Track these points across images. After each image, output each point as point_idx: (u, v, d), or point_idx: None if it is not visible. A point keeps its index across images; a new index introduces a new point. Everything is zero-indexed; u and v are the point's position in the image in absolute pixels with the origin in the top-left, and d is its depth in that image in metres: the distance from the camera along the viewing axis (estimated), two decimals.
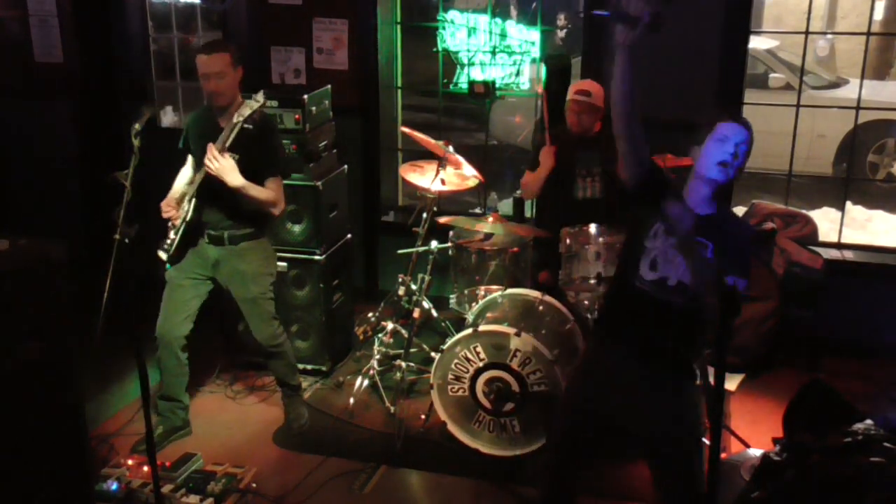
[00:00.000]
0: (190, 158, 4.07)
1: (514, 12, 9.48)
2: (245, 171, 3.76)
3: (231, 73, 3.81)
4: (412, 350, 4.53)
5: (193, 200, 3.86)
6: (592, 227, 4.11)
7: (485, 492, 3.80)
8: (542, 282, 4.50)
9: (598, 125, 4.59)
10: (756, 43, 8.23)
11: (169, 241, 3.94)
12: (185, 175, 4.08)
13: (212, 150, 3.67)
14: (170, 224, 3.97)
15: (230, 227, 3.94)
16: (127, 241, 3.90)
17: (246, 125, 3.73)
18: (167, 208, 3.94)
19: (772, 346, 4.79)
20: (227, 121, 3.80)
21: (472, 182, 4.71)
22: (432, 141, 4.53)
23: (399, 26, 5.65)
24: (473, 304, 4.42)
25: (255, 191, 3.80)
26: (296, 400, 4.32)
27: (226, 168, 3.68)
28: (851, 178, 6.66)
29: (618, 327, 2.95)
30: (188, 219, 3.87)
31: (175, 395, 4.16)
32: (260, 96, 3.71)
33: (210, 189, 3.80)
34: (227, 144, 3.70)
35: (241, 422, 4.37)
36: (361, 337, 4.83)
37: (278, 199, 3.93)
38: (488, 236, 4.43)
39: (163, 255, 3.97)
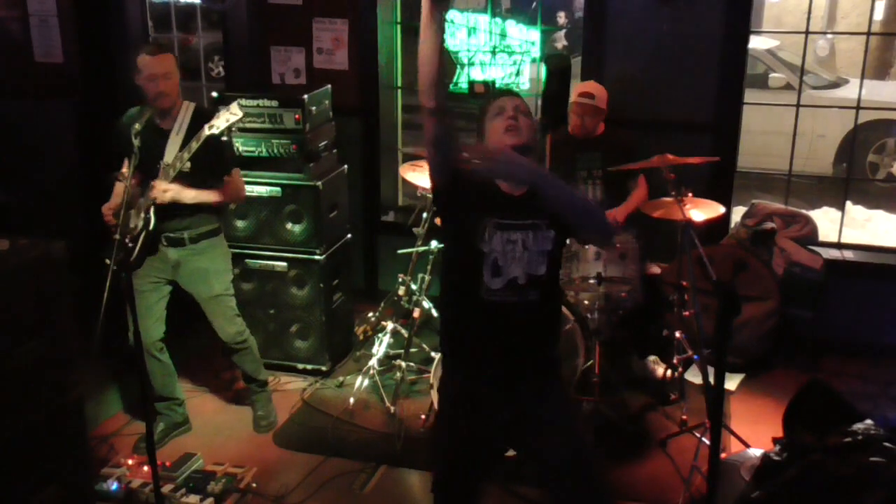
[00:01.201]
0: (126, 161, 3.93)
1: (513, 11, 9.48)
2: (199, 172, 3.81)
3: (176, 74, 3.80)
4: (412, 350, 4.53)
5: (152, 209, 3.81)
6: None
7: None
8: None
9: (601, 127, 4.60)
10: (756, 43, 8.22)
11: (124, 251, 3.86)
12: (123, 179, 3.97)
13: (156, 187, 3.70)
14: (113, 229, 3.85)
15: (189, 228, 3.94)
16: (127, 241, 3.91)
17: (222, 137, 3.76)
18: (108, 214, 3.86)
19: (772, 346, 4.79)
20: (171, 123, 3.82)
21: None
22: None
23: (399, 26, 5.65)
24: None
25: (209, 195, 3.86)
26: (264, 397, 4.33)
27: (176, 192, 3.73)
28: (851, 178, 6.66)
29: (471, 350, 2.70)
30: (151, 228, 3.83)
31: (168, 394, 4.17)
32: (236, 109, 3.69)
33: None
34: (191, 154, 3.72)
35: (241, 422, 4.36)
36: (361, 337, 4.83)
37: (235, 190, 3.97)
38: None
39: (108, 261, 3.91)
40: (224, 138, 3.82)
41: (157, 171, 3.80)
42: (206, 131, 3.67)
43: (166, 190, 3.72)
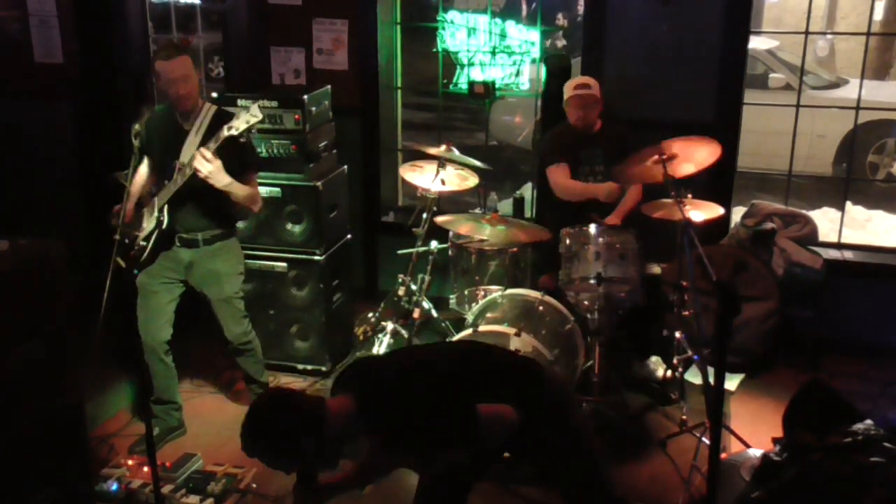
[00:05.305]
0: (147, 161, 4.00)
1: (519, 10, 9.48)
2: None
3: (195, 75, 3.80)
4: None
5: (166, 208, 3.85)
6: (592, 227, 4.11)
7: (485, 492, 3.79)
8: (543, 286, 4.48)
9: (598, 122, 4.61)
10: (756, 43, 8.22)
11: (136, 248, 3.92)
12: (141, 177, 4.01)
13: (203, 152, 3.65)
14: (117, 225, 3.86)
15: (204, 230, 3.95)
16: (127, 241, 3.92)
17: (241, 139, 3.75)
18: (128, 216, 3.88)
19: (772, 346, 4.79)
20: (192, 123, 3.82)
21: (472, 182, 4.71)
22: (433, 151, 4.51)
23: (399, 26, 5.65)
24: (473, 304, 4.41)
25: (239, 188, 3.83)
26: None
27: (216, 169, 3.69)
28: (851, 178, 6.66)
29: None
30: (164, 227, 3.87)
31: (168, 397, 4.17)
32: (256, 111, 3.65)
33: (182, 195, 3.80)
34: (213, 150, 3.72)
35: (241, 422, 4.35)
36: (361, 337, 4.82)
37: (258, 195, 3.99)
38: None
39: (122, 262, 3.92)
40: (243, 140, 3.80)
41: (173, 171, 3.81)
42: (226, 132, 3.64)
43: (210, 160, 3.63)
